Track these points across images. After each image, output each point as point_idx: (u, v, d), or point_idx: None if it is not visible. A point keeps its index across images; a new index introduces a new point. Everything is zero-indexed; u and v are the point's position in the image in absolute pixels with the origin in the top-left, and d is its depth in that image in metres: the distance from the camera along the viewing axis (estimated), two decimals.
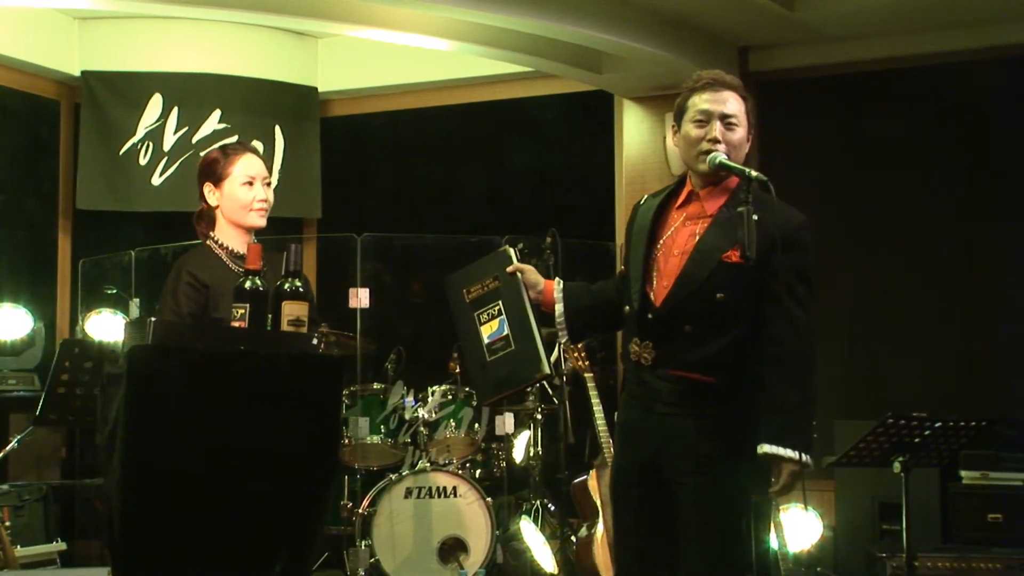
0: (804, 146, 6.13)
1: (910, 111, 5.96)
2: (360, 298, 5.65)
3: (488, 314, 3.17)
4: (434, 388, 5.52)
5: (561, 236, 5.21)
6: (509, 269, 3.18)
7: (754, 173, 2.99)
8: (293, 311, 2.91)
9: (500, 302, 3.16)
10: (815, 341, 2.92)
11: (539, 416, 5.63)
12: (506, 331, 3.13)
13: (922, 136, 5.92)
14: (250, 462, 2.80)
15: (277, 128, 6.65)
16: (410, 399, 5.47)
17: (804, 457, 2.84)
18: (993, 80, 5.76)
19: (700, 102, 3.04)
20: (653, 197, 3.16)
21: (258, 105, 6.60)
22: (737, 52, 6.08)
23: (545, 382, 5.35)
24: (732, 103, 3.03)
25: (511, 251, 3.25)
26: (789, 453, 2.83)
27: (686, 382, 2.92)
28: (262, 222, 3.35)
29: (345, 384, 5.29)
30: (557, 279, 3.23)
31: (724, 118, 3.02)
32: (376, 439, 5.46)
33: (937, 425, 4.04)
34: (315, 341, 2.96)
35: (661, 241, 3.04)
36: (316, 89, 6.82)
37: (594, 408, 5.00)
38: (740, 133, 3.04)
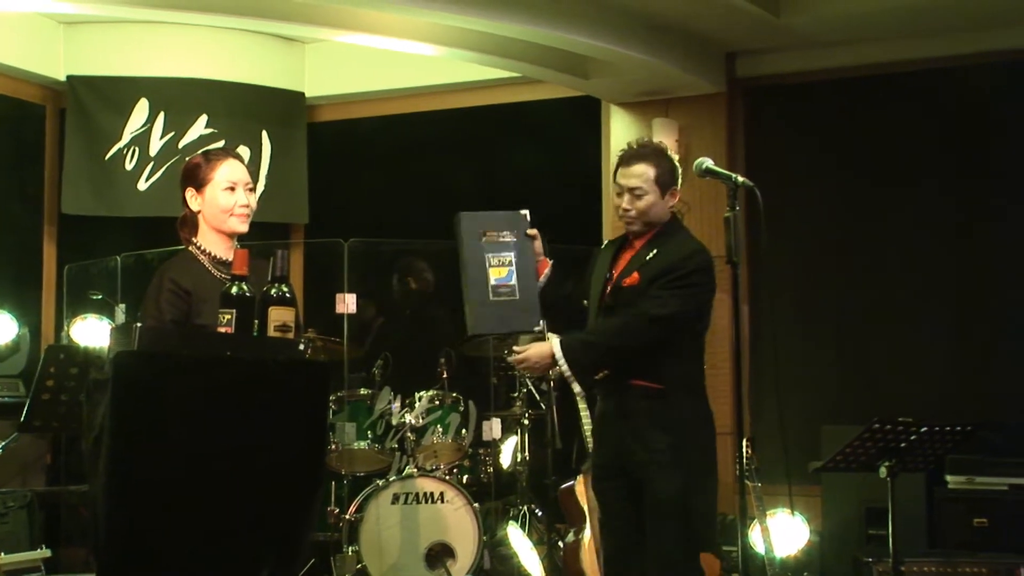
0: (792, 153, 6.16)
1: (900, 118, 5.93)
2: (347, 304, 5.65)
3: (499, 260, 3.53)
4: (421, 394, 5.52)
5: (549, 241, 5.21)
6: (530, 232, 3.67)
7: (740, 179, 3.17)
8: (280, 317, 2.91)
9: (512, 255, 3.54)
10: (647, 335, 3.50)
11: (526, 422, 5.64)
12: (513, 281, 3.52)
13: (912, 143, 5.91)
14: (237, 469, 2.79)
15: (264, 133, 6.64)
16: (397, 404, 5.47)
17: (562, 364, 3.52)
18: (986, 85, 5.74)
19: (617, 176, 3.66)
20: (611, 244, 3.81)
21: (245, 110, 6.58)
22: (724, 58, 6.11)
23: (532, 387, 5.40)
24: (636, 178, 3.59)
25: (528, 215, 3.66)
26: (558, 351, 3.51)
27: (631, 389, 3.57)
28: (243, 227, 3.34)
29: (332, 390, 5.28)
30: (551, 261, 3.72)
31: (631, 190, 3.59)
32: (363, 445, 5.45)
33: (923, 430, 4.06)
34: (302, 347, 2.96)
35: (613, 281, 3.65)
36: (303, 94, 6.82)
37: (581, 413, 5.01)
38: (648, 200, 3.60)
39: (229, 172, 3.33)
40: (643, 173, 3.59)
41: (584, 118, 6.48)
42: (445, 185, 6.82)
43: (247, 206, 3.34)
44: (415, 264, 6.38)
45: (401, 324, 6.43)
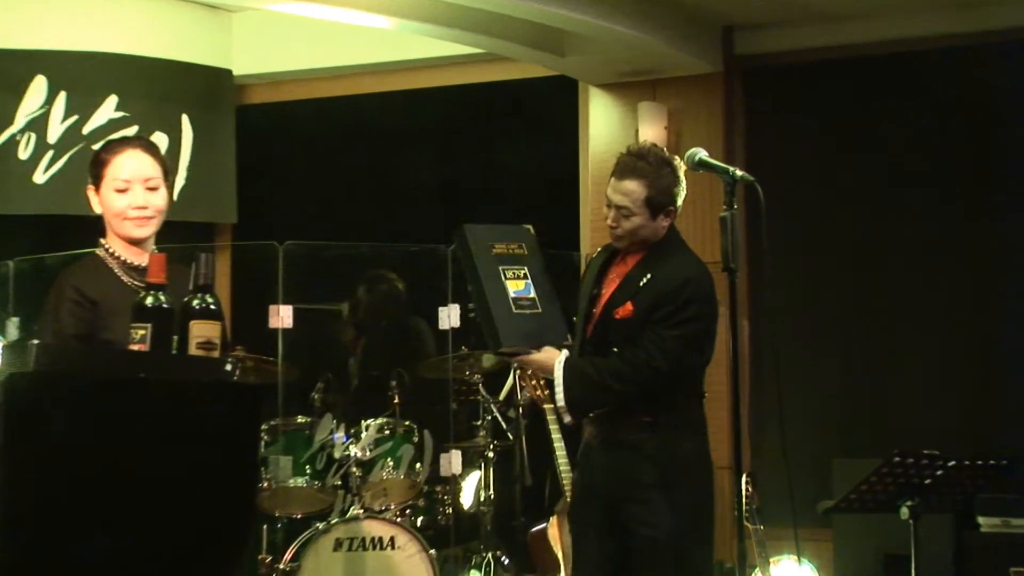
0: (798, 143, 6.23)
1: (921, 102, 6.04)
2: (282, 317, 5.63)
3: (515, 273, 3.77)
4: (369, 422, 5.51)
5: None
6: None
7: (739, 173, 3.23)
8: (203, 332, 2.89)
9: (527, 268, 3.79)
10: (650, 383, 3.66)
11: (491, 454, 5.65)
12: (533, 294, 3.77)
13: (926, 129, 6.01)
14: (150, 510, 2.76)
15: (184, 118, 6.62)
16: (340, 434, 5.45)
17: (558, 389, 3.70)
18: (1006, 66, 5.85)
19: (609, 185, 3.78)
20: (604, 251, 3.94)
21: (161, 90, 6.55)
22: (721, 32, 6.15)
23: (498, 414, 5.43)
24: (625, 197, 3.70)
25: (532, 231, 3.92)
26: (559, 373, 3.69)
27: (622, 419, 3.75)
28: (141, 232, 3.32)
29: (265, 417, 5.26)
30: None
31: (618, 208, 3.73)
32: (300, 482, 5.41)
33: (950, 464, 4.08)
34: (229, 367, 2.94)
35: (601, 299, 3.82)
36: (230, 72, 6.82)
37: (554, 445, 5.01)
38: (636, 221, 3.72)
39: (122, 168, 3.30)
40: (632, 192, 3.71)
41: (559, 102, 6.54)
42: (398, 179, 6.82)
43: (143, 208, 3.30)
44: (386, 275, 6.45)
45: (373, 341, 6.51)
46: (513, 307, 3.74)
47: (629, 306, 3.73)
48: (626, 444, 3.75)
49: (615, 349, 3.74)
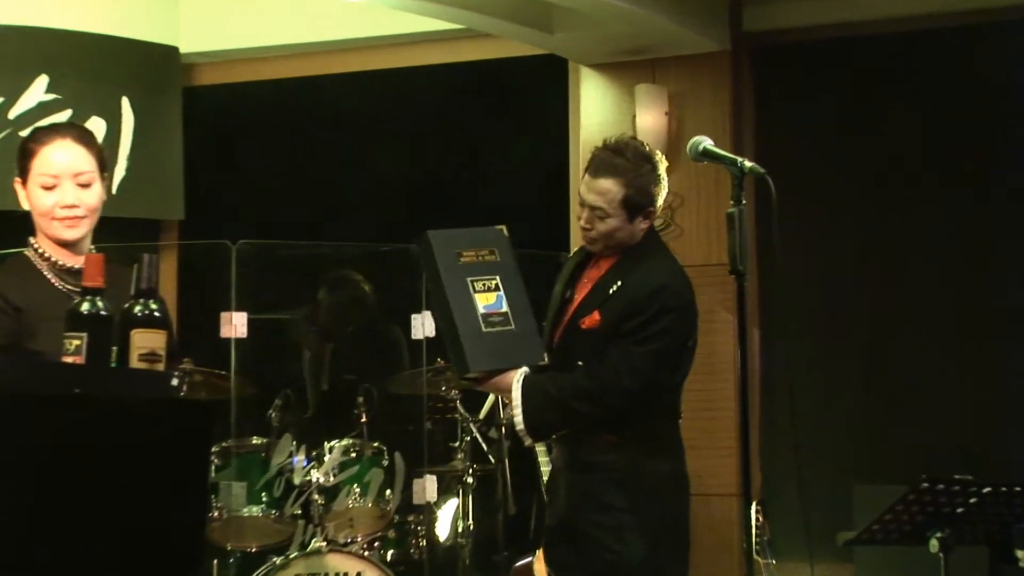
0: (810, 125, 6.22)
1: (936, 83, 6.03)
2: (236, 325, 5.62)
3: (484, 284, 3.78)
4: (333, 443, 5.50)
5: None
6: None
7: (748, 164, 3.25)
8: (146, 342, 2.88)
9: (498, 277, 3.80)
10: (617, 403, 3.71)
11: (470, 480, 5.64)
12: (505, 308, 3.77)
13: (950, 114, 6.01)
14: (84, 541, 2.75)
15: (125, 100, 6.62)
16: (301, 457, 5.44)
17: (516, 411, 3.72)
18: None
19: (582, 183, 3.85)
20: (581, 251, 4.02)
21: (99, 70, 6.53)
22: (727, 7, 6.16)
23: (479, 435, 5.42)
24: (599, 196, 3.75)
25: (506, 231, 3.92)
26: (516, 393, 3.71)
27: (586, 439, 3.82)
28: (70, 235, 3.29)
29: (215, 438, 5.25)
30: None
31: (592, 208, 3.78)
32: (256, 511, 5.41)
33: (985, 491, 4.07)
34: (175, 382, 2.93)
35: (571, 304, 3.89)
36: (177, 50, 6.82)
37: (541, 468, 5.01)
38: (611, 224, 3.77)
39: (50, 161, 3.26)
40: (608, 191, 3.76)
41: (547, 85, 6.55)
42: (365, 171, 6.81)
43: (73, 207, 3.27)
44: (351, 276, 6.47)
45: (338, 351, 6.54)
46: (483, 324, 3.75)
47: (596, 316, 3.79)
48: (592, 466, 3.82)
49: (580, 363, 3.80)
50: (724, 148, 3.53)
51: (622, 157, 3.77)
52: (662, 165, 3.82)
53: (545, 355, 3.85)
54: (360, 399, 5.71)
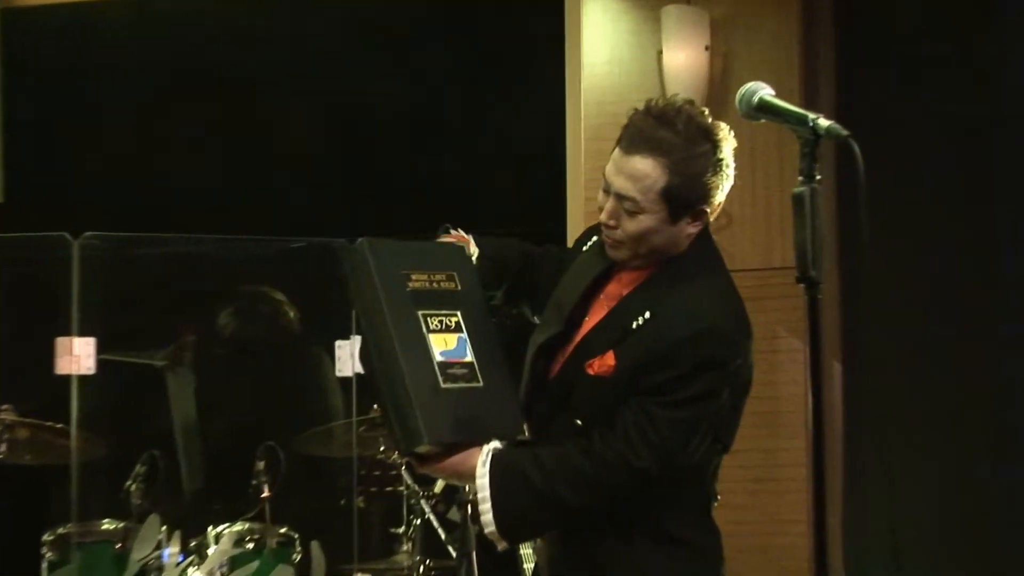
0: (913, 68, 6.26)
1: None
2: (78, 356, 5.62)
3: (441, 322, 3.70)
4: (220, 529, 5.51)
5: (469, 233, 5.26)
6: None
7: (825, 123, 3.18)
8: None
9: (459, 314, 3.73)
10: (625, 490, 3.65)
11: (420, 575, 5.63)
12: (470, 357, 3.70)
13: None
14: None
15: None
16: (174, 550, 5.44)
17: (482, 510, 3.65)
18: None
19: (610, 161, 3.74)
20: (596, 248, 3.91)
21: None
22: None
23: (433, 516, 5.43)
24: (632, 181, 3.66)
25: (472, 249, 3.91)
26: (483, 485, 3.64)
27: (578, 534, 3.76)
28: None
29: (50, 520, 5.25)
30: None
31: (620, 197, 3.69)
32: None
33: None
34: None
35: (580, 329, 3.81)
36: None
37: (524, 566, 5.03)
38: (644, 223, 3.67)
39: None
40: (644, 176, 3.66)
41: (536, 14, 6.55)
42: (269, 132, 6.80)
43: None
44: (267, 292, 6.57)
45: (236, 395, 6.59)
46: (440, 378, 3.64)
47: (610, 359, 3.68)
48: (599, 564, 3.75)
49: (578, 421, 3.70)
50: (791, 100, 3.48)
51: (669, 129, 3.64)
52: (726, 144, 3.68)
53: (525, 426, 3.75)
54: (260, 464, 5.76)
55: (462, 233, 3.98)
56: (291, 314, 6.61)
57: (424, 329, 3.65)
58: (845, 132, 3.14)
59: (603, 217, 3.72)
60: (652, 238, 3.69)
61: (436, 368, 3.62)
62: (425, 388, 3.59)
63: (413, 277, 3.69)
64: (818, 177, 3.16)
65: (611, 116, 6.08)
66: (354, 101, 6.80)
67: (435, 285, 3.72)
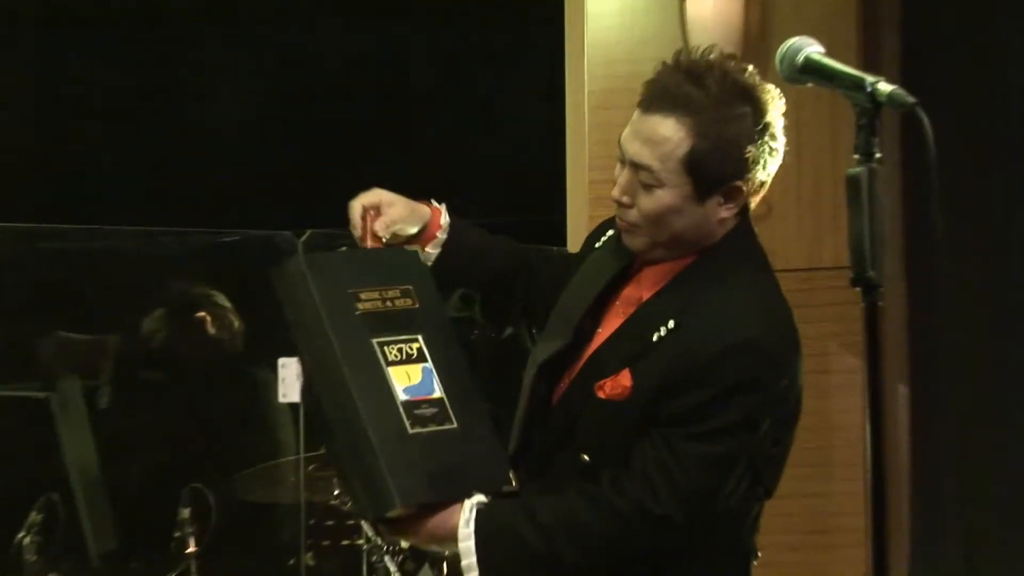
0: (997, 24, 6.23)
1: None
2: None
3: (401, 351, 3.71)
4: None
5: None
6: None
7: (886, 88, 3.16)
8: None
9: (420, 338, 3.74)
10: (641, 543, 3.68)
11: None
12: (438, 392, 3.72)
13: None
14: None
15: None
16: None
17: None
18: None
19: (624, 130, 3.74)
20: (611, 245, 3.96)
21: None
22: None
23: (395, 570, 5.50)
24: (651, 147, 3.66)
25: (426, 253, 3.96)
26: (467, 546, 3.67)
27: None
28: None
29: None
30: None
31: (636, 167, 3.68)
32: None
33: None
34: None
35: (591, 343, 3.83)
36: None
37: None
38: (664, 199, 3.66)
39: None
40: (665, 139, 3.64)
41: None
42: (186, 102, 6.79)
43: None
44: (210, 295, 6.70)
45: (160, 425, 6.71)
46: (407, 422, 3.64)
47: (626, 378, 3.67)
48: None
49: (585, 457, 3.70)
50: (845, 60, 3.44)
51: (698, 86, 3.62)
52: (772, 109, 3.65)
53: (511, 476, 3.76)
54: (185, 512, 5.75)
55: (435, 204, 4.02)
56: (236, 324, 6.64)
57: (383, 362, 3.65)
58: (912, 100, 3.11)
59: (615, 193, 3.69)
60: (674, 220, 3.66)
61: (401, 410, 3.63)
62: (391, 438, 3.60)
63: (362, 297, 3.71)
64: (878, 155, 3.14)
65: (622, 79, 6.18)
66: (301, 56, 6.80)
67: (389, 304, 3.73)
